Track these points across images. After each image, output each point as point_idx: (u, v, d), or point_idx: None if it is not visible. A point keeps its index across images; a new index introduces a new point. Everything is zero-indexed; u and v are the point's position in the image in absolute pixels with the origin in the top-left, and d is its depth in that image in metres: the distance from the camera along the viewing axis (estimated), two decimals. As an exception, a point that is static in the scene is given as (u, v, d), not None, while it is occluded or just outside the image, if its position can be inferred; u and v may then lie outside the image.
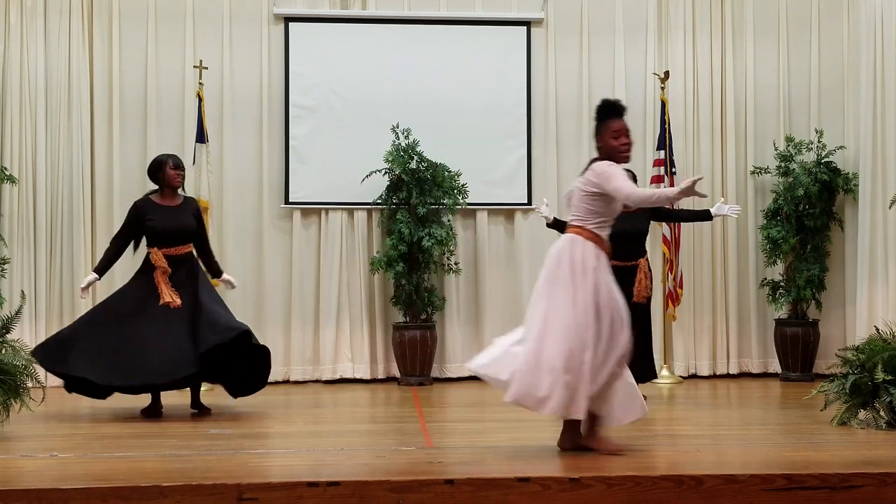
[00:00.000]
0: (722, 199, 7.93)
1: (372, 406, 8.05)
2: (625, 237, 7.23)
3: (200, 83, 8.97)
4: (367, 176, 9.10)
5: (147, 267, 6.96)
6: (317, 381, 9.24)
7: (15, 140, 9.00)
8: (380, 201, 9.23)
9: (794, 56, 9.77)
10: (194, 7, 9.34)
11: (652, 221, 7.68)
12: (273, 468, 4.90)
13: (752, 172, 9.64)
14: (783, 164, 9.37)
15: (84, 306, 7.87)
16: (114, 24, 9.23)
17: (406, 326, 9.04)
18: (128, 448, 5.60)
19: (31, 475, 4.91)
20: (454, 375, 9.37)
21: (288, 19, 9.44)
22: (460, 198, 9.15)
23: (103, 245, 9.06)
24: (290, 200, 9.37)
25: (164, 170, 7.05)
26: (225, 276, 7.37)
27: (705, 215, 7.51)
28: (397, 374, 9.22)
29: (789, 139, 9.41)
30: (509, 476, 4.49)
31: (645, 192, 5.28)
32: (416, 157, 9.09)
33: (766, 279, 9.48)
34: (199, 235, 7.18)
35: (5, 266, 8.72)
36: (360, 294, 9.35)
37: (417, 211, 8.98)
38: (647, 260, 7.49)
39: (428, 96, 9.47)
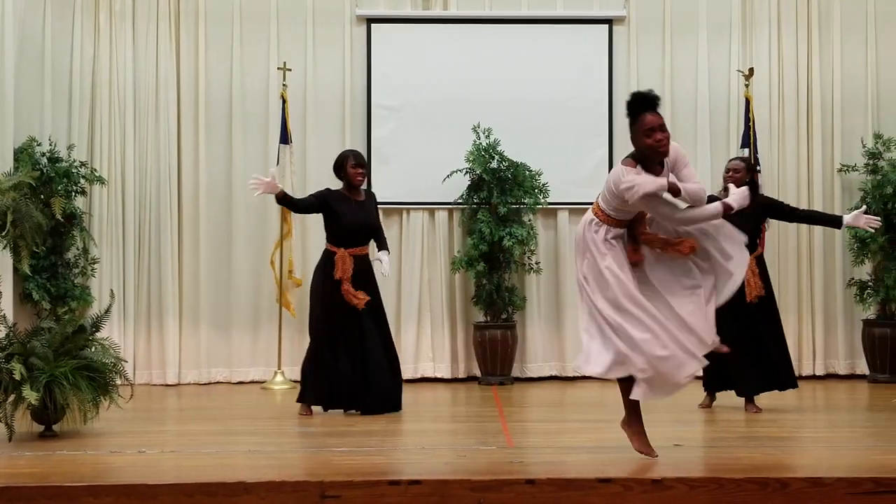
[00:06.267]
0: (863, 208, 7.41)
1: (453, 405, 8.08)
2: None
3: (284, 85, 9.07)
4: (448, 176, 9.12)
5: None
6: (398, 380, 9.27)
7: (104, 141, 9.19)
8: (461, 201, 9.24)
9: (882, 50, 9.51)
10: (278, 9, 9.44)
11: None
12: (355, 466, 4.95)
13: (840, 170, 9.43)
14: (871, 162, 9.17)
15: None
16: (200, 27, 9.34)
17: (487, 326, 9.04)
18: (214, 445, 5.71)
19: (120, 471, 5.03)
20: (535, 375, 9.34)
21: (370, 20, 9.50)
22: (541, 197, 9.13)
23: (190, 245, 9.28)
24: (372, 200, 9.45)
25: (346, 167, 7.37)
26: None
27: (835, 222, 7.08)
28: (478, 373, 9.22)
29: (878, 136, 9.20)
30: (591, 477, 4.49)
31: (687, 214, 4.93)
32: (496, 157, 9.09)
33: (853, 279, 9.27)
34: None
35: (95, 265, 8.93)
36: (441, 293, 9.37)
37: (498, 210, 8.98)
38: (754, 258, 6.94)
39: (509, 96, 9.44)
